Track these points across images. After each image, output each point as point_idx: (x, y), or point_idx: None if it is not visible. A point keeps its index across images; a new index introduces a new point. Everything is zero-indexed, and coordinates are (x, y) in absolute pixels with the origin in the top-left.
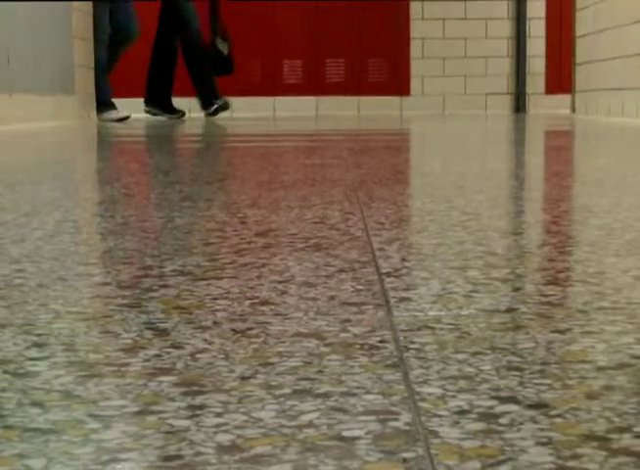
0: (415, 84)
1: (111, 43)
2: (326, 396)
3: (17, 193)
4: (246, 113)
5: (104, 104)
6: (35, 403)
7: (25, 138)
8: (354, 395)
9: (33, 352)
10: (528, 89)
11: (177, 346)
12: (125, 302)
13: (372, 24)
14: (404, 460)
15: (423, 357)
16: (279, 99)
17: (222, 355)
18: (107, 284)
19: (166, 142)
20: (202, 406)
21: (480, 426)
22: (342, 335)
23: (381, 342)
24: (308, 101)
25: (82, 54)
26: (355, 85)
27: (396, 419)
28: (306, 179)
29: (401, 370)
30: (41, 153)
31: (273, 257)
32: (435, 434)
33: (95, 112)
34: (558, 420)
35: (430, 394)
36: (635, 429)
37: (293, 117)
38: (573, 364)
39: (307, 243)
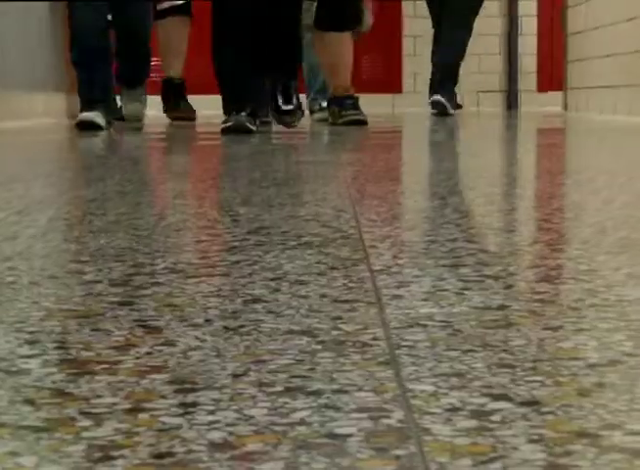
0: (407, 82)
1: None
2: (318, 393)
3: (9, 191)
4: None
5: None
6: (27, 401)
7: (16, 136)
8: (346, 392)
9: (25, 350)
10: (520, 87)
11: (169, 343)
12: (117, 299)
13: None
14: (397, 457)
15: (415, 355)
16: None
17: (214, 353)
18: (98, 282)
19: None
20: (194, 404)
21: (471, 423)
22: (334, 332)
23: (373, 339)
24: (301, 98)
25: None
26: None
27: (388, 416)
28: (298, 177)
29: (393, 368)
30: (32, 151)
31: (265, 254)
32: (428, 431)
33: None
34: (549, 417)
35: (422, 391)
36: (627, 426)
37: None
38: (565, 361)
39: (299, 240)
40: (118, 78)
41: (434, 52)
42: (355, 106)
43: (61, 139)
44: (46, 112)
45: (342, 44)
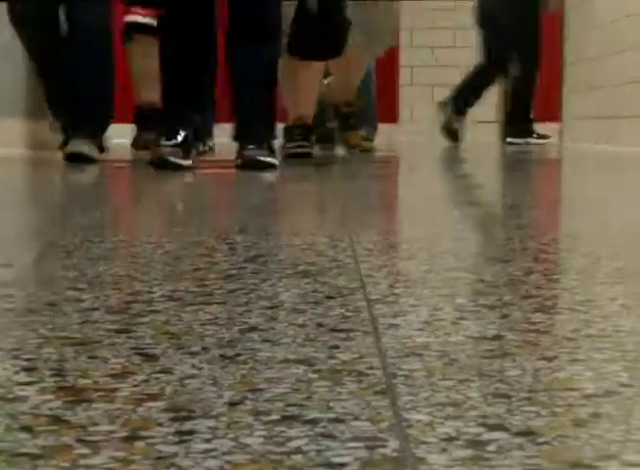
0: (404, 111)
1: None
2: (314, 422)
3: (4, 217)
4: None
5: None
6: (24, 428)
7: (7, 164)
8: (343, 421)
9: (22, 377)
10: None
11: (166, 371)
12: (114, 327)
13: None
14: None
15: (411, 384)
16: None
17: (211, 381)
18: (95, 309)
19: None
20: (190, 432)
21: (467, 453)
22: (331, 361)
23: (369, 368)
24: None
25: None
26: None
27: (384, 446)
28: (295, 206)
29: (389, 397)
30: (26, 178)
31: (262, 282)
32: (423, 461)
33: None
34: (545, 447)
35: (418, 420)
36: (623, 457)
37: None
38: (561, 392)
39: (296, 269)
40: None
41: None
42: (304, 137)
43: (53, 166)
44: (33, 139)
45: (310, 70)
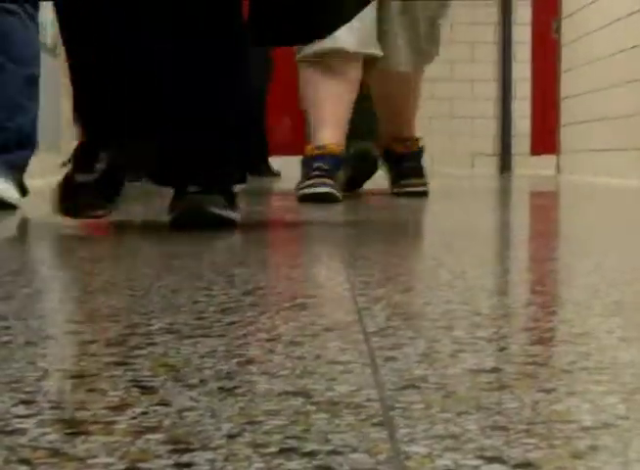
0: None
1: None
2: (312, 454)
3: (3, 251)
4: None
5: None
6: (22, 461)
7: None
8: (341, 453)
9: (21, 410)
10: (514, 150)
11: (164, 403)
12: (112, 359)
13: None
14: None
15: (409, 416)
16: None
17: (209, 413)
18: (94, 342)
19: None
20: (189, 464)
21: None
22: (329, 393)
23: (367, 400)
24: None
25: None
26: None
27: None
28: (293, 238)
29: (387, 429)
30: (27, 211)
31: (260, 315)
32: None
33: None
34: None
35: (416, 453)
36: None
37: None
38: (559, 424)
39: (294, 302)
40: None
41: None
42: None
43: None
44: (41, 171)
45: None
